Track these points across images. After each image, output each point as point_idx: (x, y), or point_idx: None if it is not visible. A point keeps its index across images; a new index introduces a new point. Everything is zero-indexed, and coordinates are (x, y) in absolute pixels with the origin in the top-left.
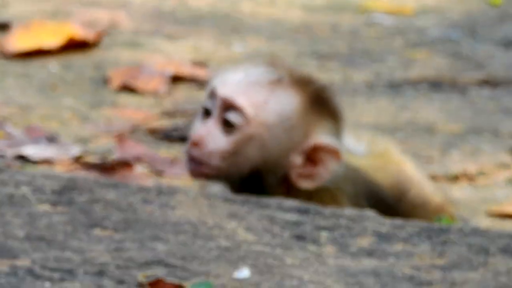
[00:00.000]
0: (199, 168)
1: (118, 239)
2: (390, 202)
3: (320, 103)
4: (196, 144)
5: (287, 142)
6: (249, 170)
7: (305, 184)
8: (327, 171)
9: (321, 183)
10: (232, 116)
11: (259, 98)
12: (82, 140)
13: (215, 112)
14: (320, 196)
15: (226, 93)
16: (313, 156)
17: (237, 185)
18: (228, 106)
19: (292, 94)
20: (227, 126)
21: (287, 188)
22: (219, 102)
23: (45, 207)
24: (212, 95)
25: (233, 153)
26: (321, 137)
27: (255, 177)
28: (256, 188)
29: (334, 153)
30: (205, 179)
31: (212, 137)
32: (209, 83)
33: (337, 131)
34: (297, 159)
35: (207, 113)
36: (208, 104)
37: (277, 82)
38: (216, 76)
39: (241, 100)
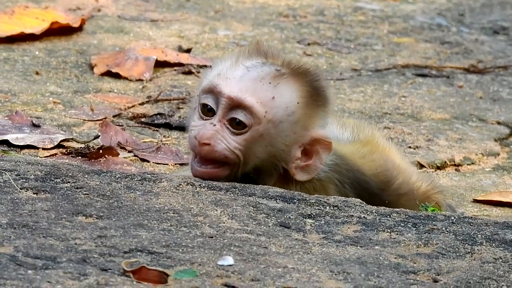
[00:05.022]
0: (209, 170)
1: (101, 226)
2: (375, 190)
3: (317, 94)
4: (205, 144)
5: (291, 136)
6: (254, 167)
7: (302, 177)
8: (321, 162)
9: (315, 174)
10: (241, 116)
11: (266, 95)
12: (66, 126)
13: (220, 111)
14: (310, 186)
15: (232, 92)
16: (309, 148)
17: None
18: (236, 105)
19: (294, 87)
20: (236, 125)
21: (282, 182)
22: (225, 101)
23: (28, 194)
24: (214, 92)
25: (243, 152)
26: (318, 129)
27: (252, 173)
28: (249, 182)
29: (327, 145)
30: (212, 179)
31: (221, 137)
32: (204, 77)
33: (326, 120)
34: (298, 152)
35: (207, 109)
36: (209, 101)
37: (279, 75)
38: (212, 70)
39: (250, 99)
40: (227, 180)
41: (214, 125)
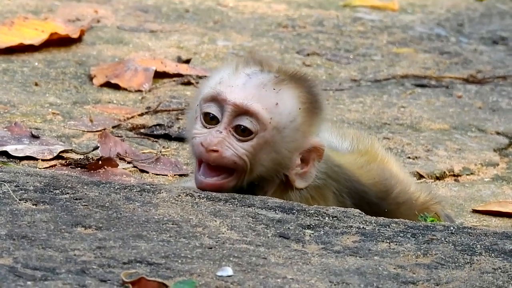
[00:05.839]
0: (215, 181)
1: (100, 237)
2: (374, 199)
3: (315, 100)
4: (213, 151)
5: (294, 143)
6: (258, 175)
7: (301, 184)
8: (315, 169)
9: (311, 181)
10: (247, 123)
11: (270, 101)
12: (65, 137)
13: (226, 118)
14: (308, 193)
15: (237, 99)
16: (306, 155)
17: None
18: (241, 112)
19: (295, 93)
20: (241, 132)
21: (282, 190)
22: (231, 108)
23: (27, 205)
24: (217, 100)
25: (250, 158)
26: (316, 137)
27: (256, 181)
28: (249, 190)
29: (321, 152)
30: (218, 191)
31: (228, 144)
32: (203, 86)
33: (322, 127)
34: (298, 160)
35: (210, 118)
36: (212, 109)
37: (279, 82)
38: (212, 79)
39: (255, 106)
40: (232, 191)
41: (220, 132)
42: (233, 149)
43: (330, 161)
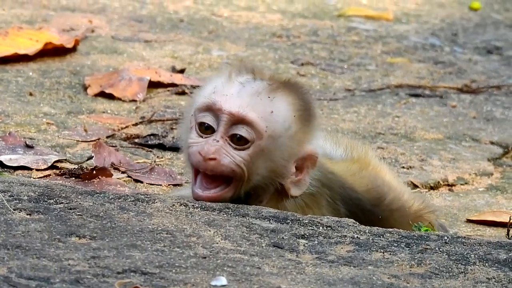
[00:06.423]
0: (212, 194)
1: (94, 247)
2: (367, 206)
3: (309, 108)
4: (211, 159)
5: (289, 151)
6: (255, 184)
7: (296, 192)
8: (309, 176)
9: (305, 189)
10: (243, 132)
11: (265, 110)
12: (60, 147)
13: (221, 127)
14: (302, 201)
15: (233, 108)
16: (301, 163)
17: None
18: (237, 121)
19: (288, 101)
20: (237, 140)
21: (277, 198)
22: (227, 117)
23: (21, 215)
24: (212, 109)
25: (247, 167)
26: (310, 144)
27: (253, 191)
28: (244, 202)
29: (315, 160)
30: (214, 201)
31: (225, 152)
32: (197, 96)
33: (315, 135)
34: (293, 168)
35: (204, 127)
36: (207, 119)
37: (273, 90)
38: (205, 88)
39: (251, 114)
40: (227, 200)
41: (217, 141)
42: (231, 157)
43: (324, 169)
